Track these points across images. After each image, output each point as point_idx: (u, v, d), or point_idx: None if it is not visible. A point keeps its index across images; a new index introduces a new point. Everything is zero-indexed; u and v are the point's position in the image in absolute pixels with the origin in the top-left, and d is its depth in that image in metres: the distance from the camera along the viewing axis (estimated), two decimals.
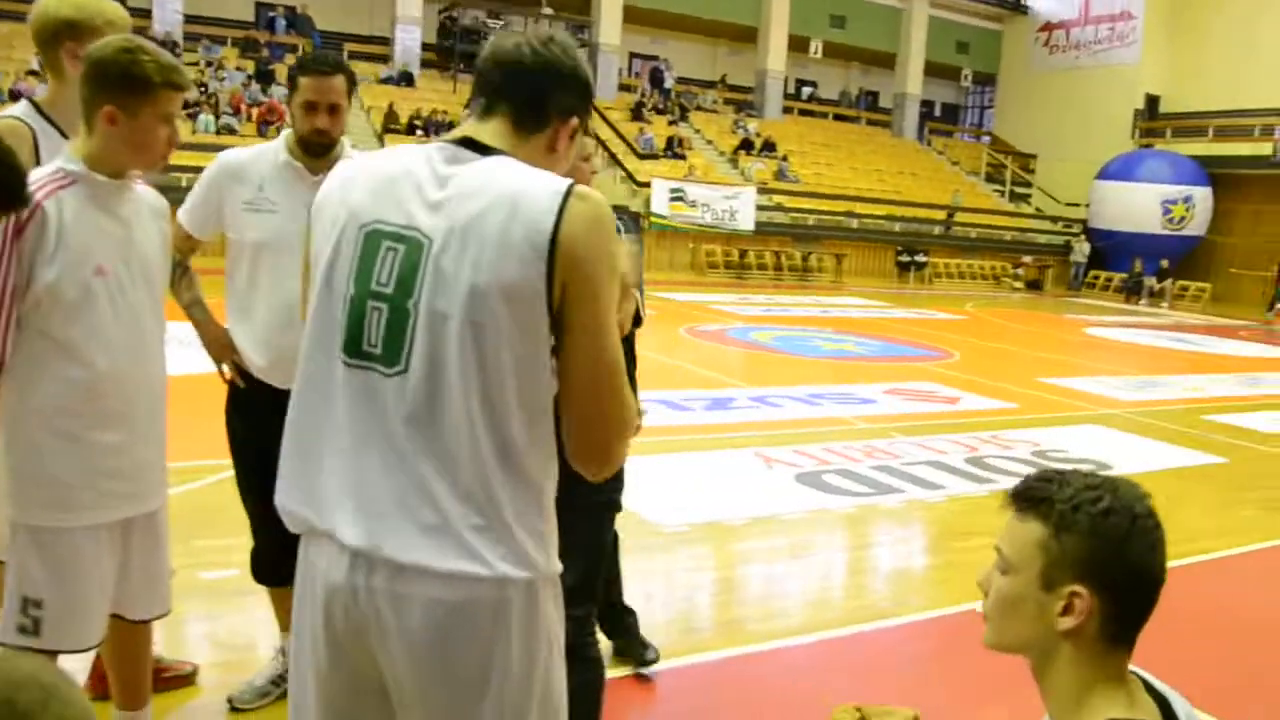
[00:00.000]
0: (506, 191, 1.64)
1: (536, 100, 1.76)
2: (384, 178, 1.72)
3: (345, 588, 1.66)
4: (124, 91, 2.39)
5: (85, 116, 2.44)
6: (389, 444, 1.65)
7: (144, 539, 2.67)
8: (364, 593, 1.65)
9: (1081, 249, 30.39)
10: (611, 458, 1.76)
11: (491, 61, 1.77)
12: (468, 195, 1.65)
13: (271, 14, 27.61)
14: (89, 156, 2.44)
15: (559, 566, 1.74)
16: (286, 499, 1.75)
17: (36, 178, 2.40)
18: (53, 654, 2.48)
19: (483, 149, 1.71)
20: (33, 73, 20.35)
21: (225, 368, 3.25)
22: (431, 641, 1.64)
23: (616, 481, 2.80)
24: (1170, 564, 5.11)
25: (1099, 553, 1.42)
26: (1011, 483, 5.00)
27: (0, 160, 2.10)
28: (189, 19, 25.29)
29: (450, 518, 1.62)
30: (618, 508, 2.88)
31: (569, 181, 1.67)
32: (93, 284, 2.41)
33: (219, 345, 3.23)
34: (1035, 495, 1.49)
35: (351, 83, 3.15)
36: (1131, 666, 1.50)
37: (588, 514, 2.70)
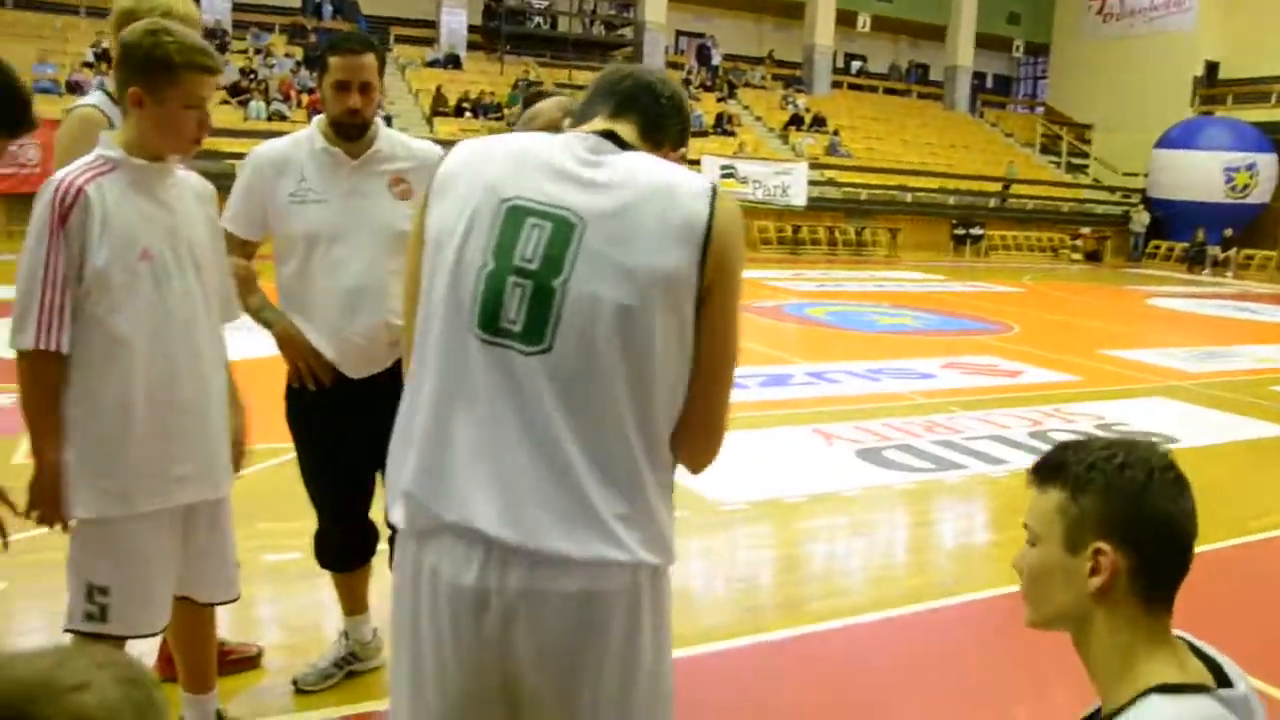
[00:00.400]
0: (660, 182, 1.66)
1: (659, 121, 1.82)
2: (523, 155, 1.70)
3: (476, 590, 1.60)
4: (147, 74, 2.36)
5: (120, 101, 2.43)
6: (528, 427, 1.60)
7: (209, 523, 2.66)
8: (496, 594, 1.60)
9: (1140, 219, 29.80)
10: (714, 451, 1.78)
11: (624, 75, 1.84)
12: (621, 182, 1.65)
13: (318, 0, 27.79)
14: (127, 142, 2.43)
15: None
16: (416, 488, 1.65)
17: (76, 166, 2.40)
18: (121, 639, 2.48)
19: (623, 143, 1.74)
20: (88, 64, 20.65)
21: (302, 367, 3.09)
22: (573, 635, 1.61)
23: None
24: (1241, 539, 4.94)
25: (1117, 507, 1.41)
26: None
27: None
28: (237, 7, 25.56)
29: (593, 503, 1.60)
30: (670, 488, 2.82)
31: (712, 180, 1.72)
32: (138, 269, 2.39)
33: (297, 346, 3.09)
34: (1052, 464, 1.49)
35: (382, 62, 3.07)
36: (1176, 631, 1.47)
37: None
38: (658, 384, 1.63)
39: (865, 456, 6.63)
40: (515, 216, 1.64)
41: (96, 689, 0.90)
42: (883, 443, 6.96)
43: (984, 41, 35.05)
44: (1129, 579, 1.41)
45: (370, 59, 3.00)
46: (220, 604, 2.81)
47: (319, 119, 3.11)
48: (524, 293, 1.61)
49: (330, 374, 3.07)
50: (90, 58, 20.88)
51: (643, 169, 1.68)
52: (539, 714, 1.67)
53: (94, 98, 3.02)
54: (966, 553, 5.29)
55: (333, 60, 2.99)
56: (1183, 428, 7.96)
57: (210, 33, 24.28)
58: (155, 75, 2.36)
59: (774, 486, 5.89)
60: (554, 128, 2.48)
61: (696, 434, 1.73)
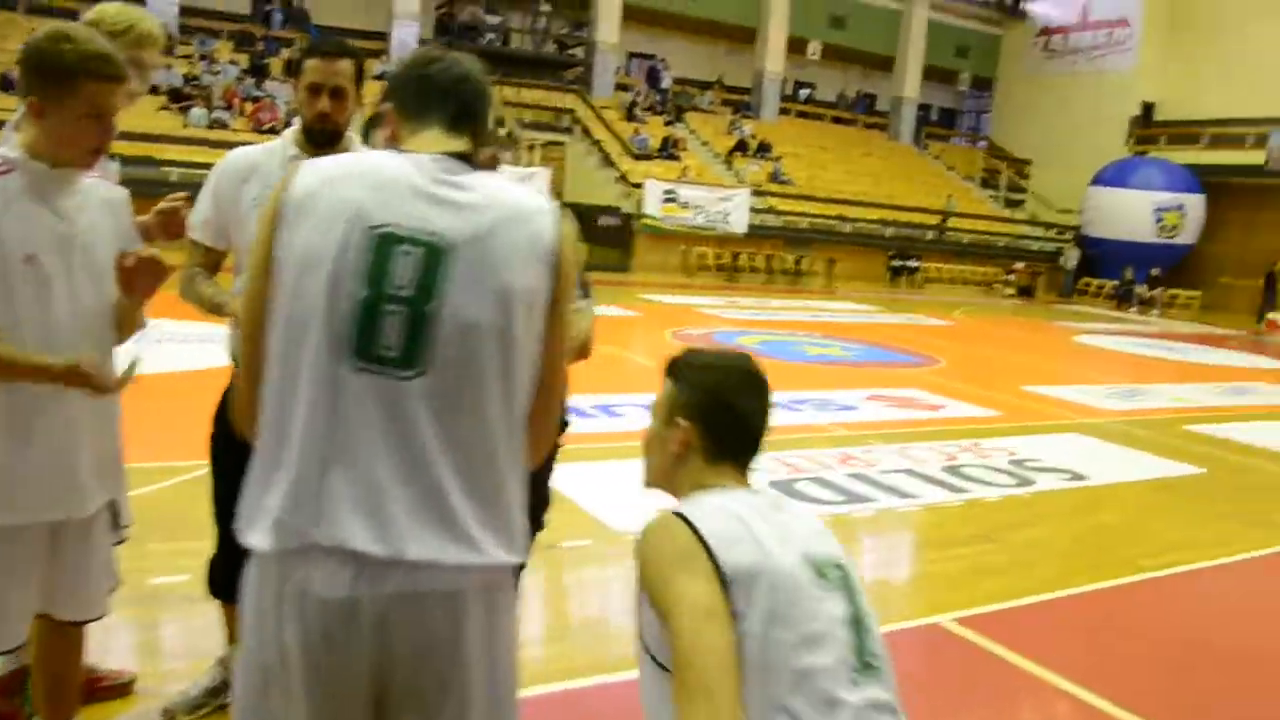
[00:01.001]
0: (513, 203, 1.77)
1: (485, 124, 1.91)
2: (383, 180, 1.72)
3: (346, 601, 1.64)
4: (46, 82, 2.35)
5: (25, 106, 2.41)
6: (402, 449, 1.66)
7: (77, 542, 2.61)
8: (368, 603, 1.64)
9: (1071, 255, 30.40)
10: (551, 441, 1.98)
11: (459, 77, 1.87)
12: (480, 205, 1.73)
13: (268, 7, 27.61)
14: (28, 145, 2.41)
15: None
16: (288, 513, 1.67)
17: None
18: None
19: (472, 162, 1.81)
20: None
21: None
22: (443, 632, 1.69)
23: (545, 498, 2.80)
24: (1140, 576, 5.05)
25: (698, 394, 1.96)
26: (987, 492, 5.19)
27: None
28: (184, 11, 25.21)
29: (459, 515, 1.68)
30: (541, 527, 2.85)
31: (548, 201, 1.82)
32: (20, 272, 2.35)
33: None
34: (672, 361, 2.05)
35: (359, 69, 3.01)
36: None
37: None
38: (522, 397, 1.77)
39: (777, 488, 6.63)
40: (386, 243, 1.67)
41: None
42: (796, 475, 7.00)
43: (931, 74, 35.67)
44: (700, 445, 1.94)
45: (345, 64, 2.96)
46: (83, 623, 2.75)
47: (294, 128, 3.06)
48: (399, 319, 1.66)
49: None
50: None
51: (498, 192, 1.76)
52: (410, 712, 1.73)
53: None
54: (873, 588, 5.18)
55: (307, 63, 2.95)
56: (1092, 464, 8.12)
57: None
58: (55, 84, 2.33)
59: None
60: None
61: (539, 429, 1.86)
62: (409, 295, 1.65)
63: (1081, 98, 33.18)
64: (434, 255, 1.67)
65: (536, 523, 2.81)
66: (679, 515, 1.82)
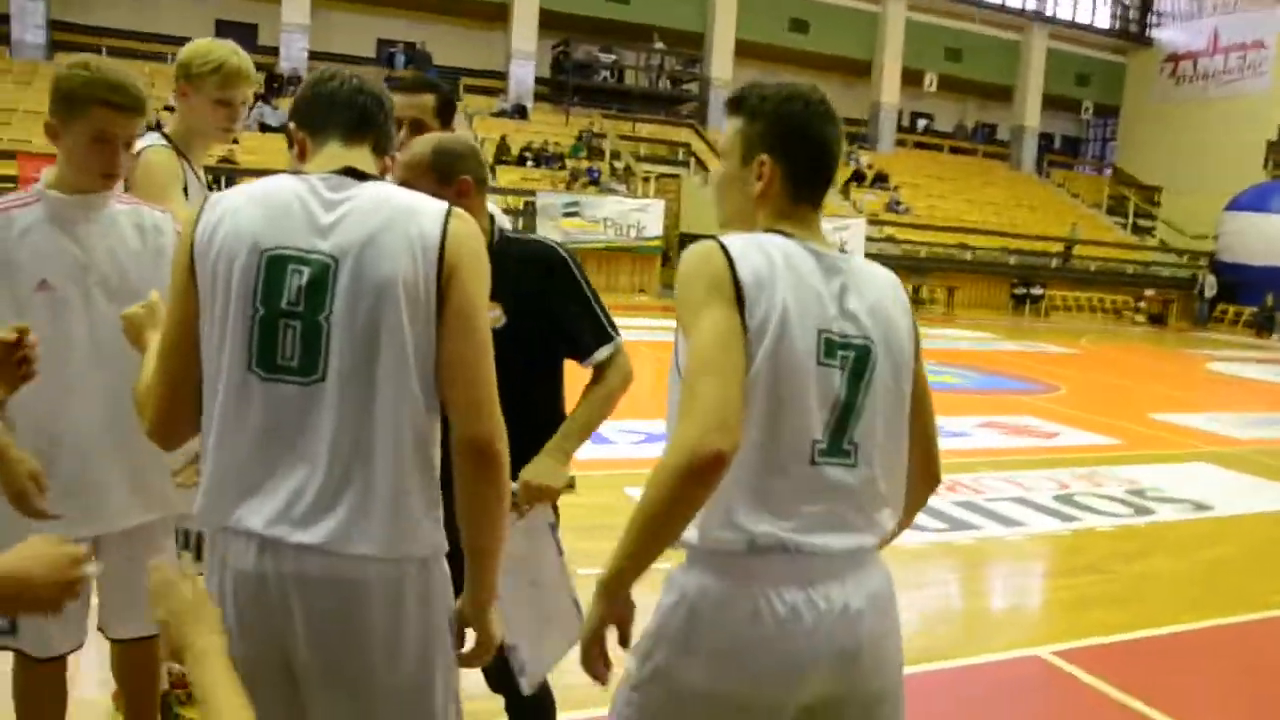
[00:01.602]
0: (398, 208, 1.84)
1: (389, 133, 2.01)
2: (275, 206, 1.84)
3: (255, 575, 1.78)
4: (58, 107, 2.41)
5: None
6: (309, 447, 1.78)
7: (119, 558, 2.53)
8: (273, 579, 1.77)
9: (1209, 282, 29.20)
10: (495, 450, 1.83)
11: (357, 89, 1.95)
12: (363, 214, 1.82)
13: (392, 50, 28.46)
14: (53, 176, 2.46)
15: (446, 544, 1.88)
16: (207, 499, 1.84)
17: (7, 199, 2.45)
18: (29, 657, 2.53)
19: (362, 175, 1.89)
20: (169, 108, 21.35)
21: None
22: (337, 619, 1.78)
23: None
24: (1268, 613, 4.78)
25: (777, 127, 1.84)
26: (1100, 521, 4.95)
27: None
28: (313, 55, 26.23)
29: (360, 506, 1.77)
30: (560, 552, 2.76)
31: (444, 203, 1.88)
32: (33, 299, 2.38)
33: None
34: (738, 97, 1.90)
35: (443, 104, 2.97)
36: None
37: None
38: (420, 391, 1.81)
39: None
40: (277, 264, 1.79)
41: None
42: None
43: (1052, 102, 34.89)
44: (781, 182, 1.84)
45: (426, 99, 2.93)
46: (134, 640, 2.73)
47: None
48: (294, 332, 1.78)
49: None
50: (172, 102, 21.52)
51: (384, 200, 1.84)
52: (310, 691, 1.83)
53: (154, 137, 3.05)
54: (965, 617, 5.13)
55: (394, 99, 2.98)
56: (1219, 495, 7.72)
57: (286, 80, 25.02)
58: (65, 107, 2.40)
59: None
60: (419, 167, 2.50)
61: (469, 414, 1.83)
62: (301, 310, 1.78)
63: (1214, 123, 32.00)
64: (320, 270, 1.78)
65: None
66: (723, 247, 1.76)
